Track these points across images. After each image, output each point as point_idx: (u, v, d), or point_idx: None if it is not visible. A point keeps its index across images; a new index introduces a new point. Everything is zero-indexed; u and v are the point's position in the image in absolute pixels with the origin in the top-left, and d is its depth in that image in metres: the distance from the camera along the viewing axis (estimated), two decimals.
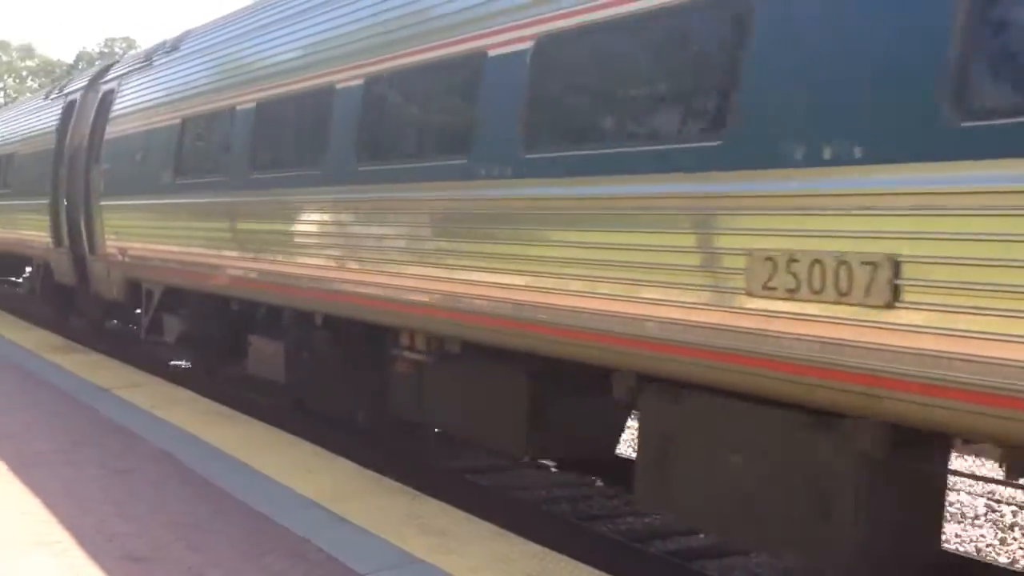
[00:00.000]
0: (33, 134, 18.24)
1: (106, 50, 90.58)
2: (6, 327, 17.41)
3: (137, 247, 12.60)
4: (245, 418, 9.66)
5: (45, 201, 16.28)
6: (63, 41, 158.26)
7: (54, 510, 6.58)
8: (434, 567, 5.56)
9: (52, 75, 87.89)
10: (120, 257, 13.13)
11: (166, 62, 12.71)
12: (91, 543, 5.92)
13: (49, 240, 16.12)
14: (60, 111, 16.61)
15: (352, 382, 9.22)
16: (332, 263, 8.36)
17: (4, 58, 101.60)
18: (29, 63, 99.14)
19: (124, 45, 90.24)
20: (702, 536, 7.81)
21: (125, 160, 13.09)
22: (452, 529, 6.22)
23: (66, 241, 15.38)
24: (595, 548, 7.04)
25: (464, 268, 6.79)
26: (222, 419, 9.60)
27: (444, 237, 7.02)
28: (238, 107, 10.20)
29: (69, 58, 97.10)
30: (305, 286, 8.79)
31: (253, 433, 8.99)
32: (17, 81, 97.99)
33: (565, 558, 5.71)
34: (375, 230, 7.82)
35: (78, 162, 15.04)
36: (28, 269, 22.14)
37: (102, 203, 13.70)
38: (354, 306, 8.17)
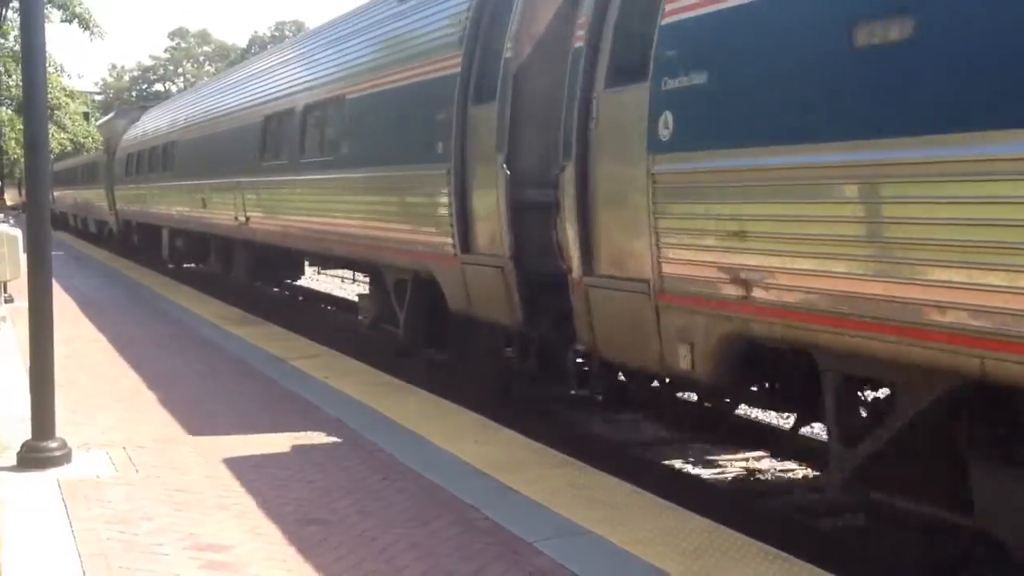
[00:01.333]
0: (381, 62, 11.16)
1: (276, 34, 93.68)
2: (187, 299, 18.27)
3: (873, 281, 4.89)
4: (413, 389, 9.84)
5: (438, 171, 9.23)
6: (236, 26, 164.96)
7: (235, 474, 6.87)
8: (601, 538, 5.54)
9: (227, 59, 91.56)
10: (729, 289, 5.79)
11: None
12: (270, 506, 6.16)
13: (443, 240, 9.24)
14: (467, 8, 9.18)
15: None
16: None
17: (183, 44, 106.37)
18: (206, 48, 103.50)
19: (294, 28, 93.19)
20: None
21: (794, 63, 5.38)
22: (619, 501, 6.19)
23: (497, 245, 8.44)
24: (765, 524, 6.89)
25: None
26: (391, 389, 9.82)
27: None
28: None
29: (242, 42, 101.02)
30: None
31: (421, 403, 9.16)
32: (195, 66, 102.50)
33: (734, 532, 5.61)
34: None
35: (536, 91, 8.27)
36: (347, 282, 17.65)
37: (666, 169, 6.21)
38: None
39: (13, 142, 23.39)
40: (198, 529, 5.78)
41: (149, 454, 7.42)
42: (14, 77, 24.16)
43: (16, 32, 25.33)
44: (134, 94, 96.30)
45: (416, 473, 6.86)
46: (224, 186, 17.21)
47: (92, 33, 26.85)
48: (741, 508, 7.47)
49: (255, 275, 18.68)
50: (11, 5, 20.08)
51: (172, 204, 21.76)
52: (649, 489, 6.51)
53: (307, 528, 5.76)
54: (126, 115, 32.19)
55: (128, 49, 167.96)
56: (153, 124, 26.03)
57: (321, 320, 18.05)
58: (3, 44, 21.62)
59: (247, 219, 15.86)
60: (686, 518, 5.89)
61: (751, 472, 8.83)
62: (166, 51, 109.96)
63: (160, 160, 23.38)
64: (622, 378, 8.25)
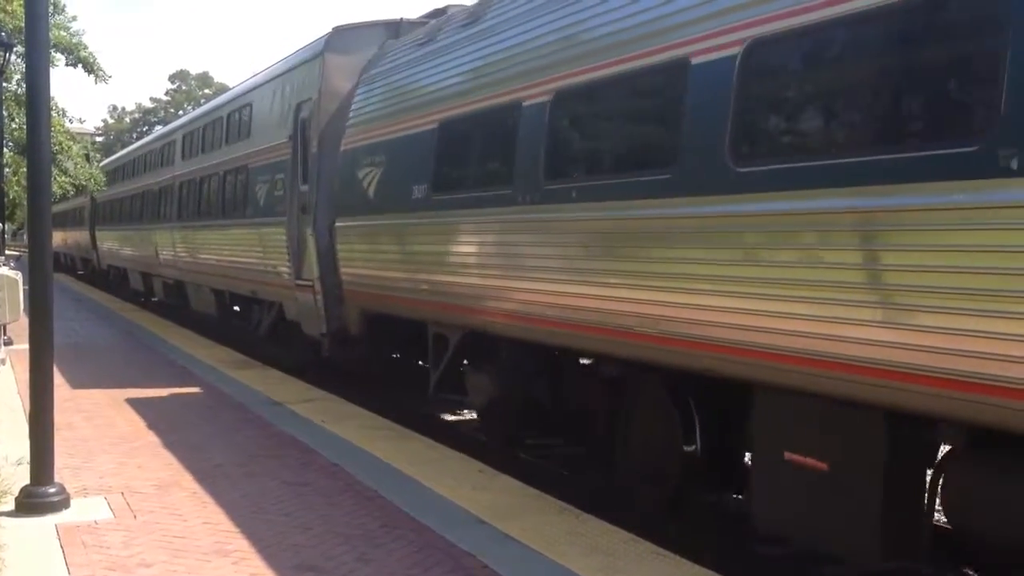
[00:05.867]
0: None
1: None
2: (190, 343, 18.27)
3: None
4: (411, 433, 9.86)
5: None
6: (236, 69, 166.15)
7: (234, 520, 6.87)
8: None
9: None
10: None
11: None
12: (268, 552, 6.15)
13: None
14: None
15: None
16: None
17: (184, 87, 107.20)
18: (207, 91, 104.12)
19: None
20: None
21: None
22: (616, 549, 6.19)
23: None
24: (760, 571, 6.88)
25: None
26: (389, 434, 9.83)
27: None
28: None
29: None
30: None
31: (418, 448, 9.16)
32: (196, 109, 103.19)
33: None
34: None
35: None
36: None
37: None
38: None
39: (16, 185, 23.35)
40: None
41: (147, 499, 7.42)
42: (16, 120, 24.25)
43: (19, 76, 25.50)
44: (134, 136, 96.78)
45: (415, 520, 6.86)
46: None
47: (97, 77, 26.99)
48: (737, 554, 7.46)
49: None
50: (15, 50, 20.20)
51: None
52: (644, 535, 6.52)
53: (305, 575, 5.76)
54: (362, 36, 13.08)
55: (129, 91, 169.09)
56: None
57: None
58: (6, 88, 21.71)
59: None
60: (684, 566, 5.90)
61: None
62: (167, 93, 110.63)
63: None
64: None
